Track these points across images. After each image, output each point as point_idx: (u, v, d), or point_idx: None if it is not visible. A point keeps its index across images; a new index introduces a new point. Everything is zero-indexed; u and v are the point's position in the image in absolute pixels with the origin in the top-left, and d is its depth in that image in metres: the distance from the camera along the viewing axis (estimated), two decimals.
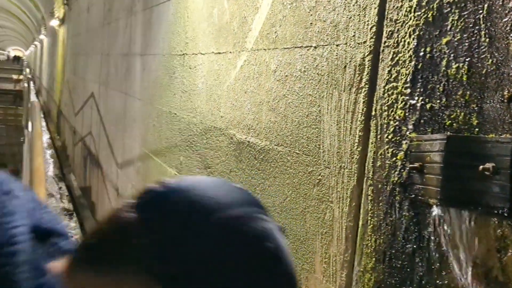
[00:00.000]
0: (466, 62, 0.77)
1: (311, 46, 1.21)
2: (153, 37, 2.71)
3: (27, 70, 10.32)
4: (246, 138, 1.52)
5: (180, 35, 2.24)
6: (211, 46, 1.85)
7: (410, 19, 0.89)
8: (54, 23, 9.50)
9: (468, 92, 0.76)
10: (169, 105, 2.36)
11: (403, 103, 0.89)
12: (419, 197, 0.83)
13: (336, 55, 1.10)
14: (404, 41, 0.90)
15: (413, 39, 0.88)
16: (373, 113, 0.97)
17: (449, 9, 0.81)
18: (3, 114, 8.97)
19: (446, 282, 0.77)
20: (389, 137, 0.92)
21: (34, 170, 1.46)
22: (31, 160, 1.51)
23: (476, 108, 0.74)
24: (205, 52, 1.92)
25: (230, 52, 1.68)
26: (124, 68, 3.49)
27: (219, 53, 1.78)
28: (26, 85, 6.42)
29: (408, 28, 0.89)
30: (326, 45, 1.15)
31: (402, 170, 0.88)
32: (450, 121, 0.79)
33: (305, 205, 1.19)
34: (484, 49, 0.74)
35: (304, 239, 1.19)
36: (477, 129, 0.74)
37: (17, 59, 45.40)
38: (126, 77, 3.40)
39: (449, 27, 0.80)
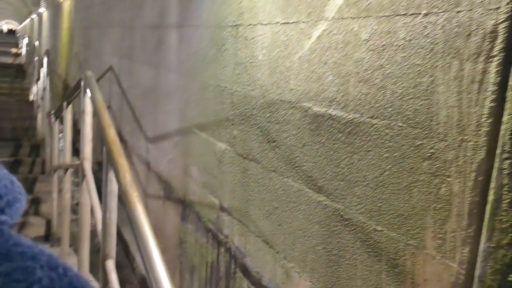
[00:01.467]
0: None
1: (419, 14, 1.15)
2: (195, 7, 2.63)
3: (37, 43, 10.13)
4: (326, 111, 1.47)
5: (231, 5, 2.17)
6: (276, 16, 1.78)
7: None
8: None
9: None
10: (218, 78, 2.30)
11: None
12: None
13: (457, 22, 1.05)
14: None
15: None
16: (511, 83, 0.93)
17: None
18: (10, 88, 8.86)
19: None
20: None
21: (110, 143, 1.40)
22: (104, 133, 1.45)
23: None
24: (267, 23, 1.86)
25: (303, 21, 1.62)
26: (154, 41, 3.40)
27: (287, 23, 1.72)
28: (36, 58, 6.29)
29: None
30: (441, 12, 1.09)
31: None
32: None
33: (411, 180, 1.15)
34: None
35: (409, 215, 1.16)
36: None
37: (11, 32, 44.74)
38: (157, 50, 3.31)
39: None
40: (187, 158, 2.68)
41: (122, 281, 3.20)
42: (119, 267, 3.28)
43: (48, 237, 3.19)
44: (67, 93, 2.67)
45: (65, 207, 2.57)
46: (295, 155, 1.64)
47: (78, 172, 3.35)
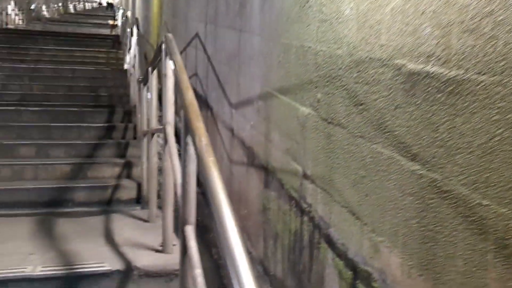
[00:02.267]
0: None
1: None
2: None
3: (129, 13, 10.57)
4: (423, 68, 1.30)
5: None
6: None
7: None
8: None
9: None
10: (301, 38, 2.17)
11: None
12: None
13: None
14: None
15: None
16: None
17: None
18: (106, 58, 9.34)
19: None
20: None
21: (187, 106, 1.35)
22: (182, 96, 1.41)
23: None
24: None
25: None
26: (238, 3, 3.32)
27: None
28: (129, 29, 6.52)
29: None
30: None
31: None
32: None
33: None
34: None
35: None
36: None
37: (110, 6, 47.40)
38: (240, 12, 3.23)
39: None
40: (269, 124, 2.60)
41: (208, 244, 3.26)
42: (205, 230, 3.35)
43: (139, 199, 3.32)
44: (151, 61, 2.68)
45: (152, 171, 2.63)
46: (385, 119, 1.49)
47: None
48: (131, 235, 2.36)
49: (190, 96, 1.40)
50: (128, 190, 3.40)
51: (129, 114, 4.84)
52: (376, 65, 1.53)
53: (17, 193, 3.25)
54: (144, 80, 3.28)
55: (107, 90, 6.11)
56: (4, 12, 14.85)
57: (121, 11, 18.69)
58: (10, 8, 15.40)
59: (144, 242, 2.20)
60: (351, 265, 1.67)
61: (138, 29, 4.85)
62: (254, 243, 2.79)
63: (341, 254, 1.74)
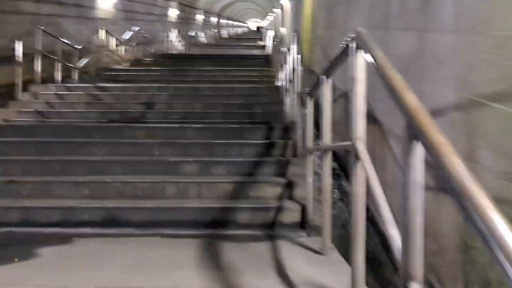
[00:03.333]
0: None
1: None
2: None
3: (283, 30, 10.68)
4: None
5: None
6: None
7: None
8: None
9: None
10: None
11: None
12: None
13: None
14: None
15: None
16: None
17: None
18: (258, 76, 9.46)
19: None
20: None
21: (411, 111, 0.98)
22: (399, 98, 1.04)
23: None
24: None
25: None
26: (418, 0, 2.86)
27: None
28: (286, 49, 6.40)
29: None
30: None
31: None
32: None
33: None
34: None
35: None
36: None
37: (258, 29, 50.34)
38: (423, 9, 2.76)
39: None
40: (473, 140, 2.08)
41: (384, 280, 2.80)
42: (378, 264, 2.90)
43: (303, 224, 3.01)
44: (325, 66, 2.37)
45: (326, 194, 2.28)
46: None
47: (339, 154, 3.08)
48: (306, 272, 2.03)
49: (413, 99, 1.02)
50: (291, 213, 3.11)
51: (286, 131, 4.62)
52: None
53: (182, 212, 3.17)
54: (312, 92, 2.99)
55: (262, 107, 6.03)
56: (167, 39, 16.31)
57: (270, 32, 19.35)
58: (173, 35, 16.88)
59: (324, 283, 1.85)
60: None
61: (298, 43, 4.63)
62: (449, 287, 2.26)
63: None
